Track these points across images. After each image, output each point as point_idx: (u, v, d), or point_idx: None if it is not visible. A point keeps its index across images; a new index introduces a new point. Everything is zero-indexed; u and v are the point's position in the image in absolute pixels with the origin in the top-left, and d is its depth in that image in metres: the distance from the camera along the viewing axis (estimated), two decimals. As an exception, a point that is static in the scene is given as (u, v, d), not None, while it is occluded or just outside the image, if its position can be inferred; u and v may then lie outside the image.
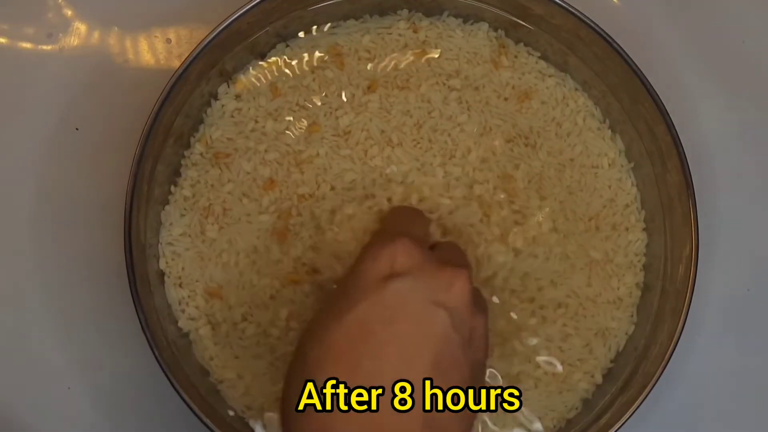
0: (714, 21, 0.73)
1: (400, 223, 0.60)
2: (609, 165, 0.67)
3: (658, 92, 0.63)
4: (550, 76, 0.67)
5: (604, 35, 0.63)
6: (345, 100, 0.65)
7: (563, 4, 0.64)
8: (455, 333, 0.51)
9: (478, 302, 0.55)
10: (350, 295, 0.52)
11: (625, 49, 0.63)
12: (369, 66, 0.66)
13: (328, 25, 0.66)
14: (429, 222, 0.63)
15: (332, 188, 0.64)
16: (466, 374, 0.51)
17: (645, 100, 0.64)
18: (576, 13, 0.64)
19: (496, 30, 0.67)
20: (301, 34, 0.66)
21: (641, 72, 0.63)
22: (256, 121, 0.65)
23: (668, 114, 0.63)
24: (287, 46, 0.66)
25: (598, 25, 0.63)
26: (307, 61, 0.66)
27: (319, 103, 0.65)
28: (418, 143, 0.65)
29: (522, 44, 0.68)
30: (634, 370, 0.63)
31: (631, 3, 0.72)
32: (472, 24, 0.67)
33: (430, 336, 0.50)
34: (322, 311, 0.53)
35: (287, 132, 0.65)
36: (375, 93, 0.65)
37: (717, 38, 0.72)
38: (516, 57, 0.67)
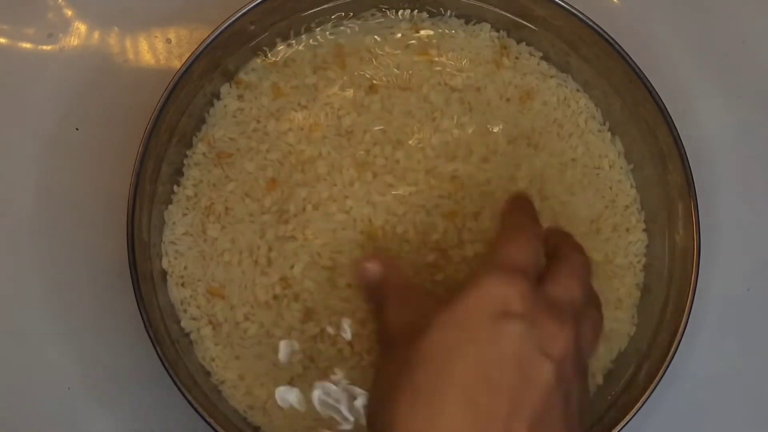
0: (714, 21, 0.73)
1: (517, 240, 0.55)
2: (609, 166, 0.67)
3: (658, 93, 0.63)
4: (551, 76, 0.67)
5: (606, 36, 0.64)
6: (347, 100, 0.65)
7: (564, 5, 0.64)
8: (558, 386, 0.50)
9: (578, 363, 0.53)
10: (463, 328, 0.50)
11: (625, 49, 0.63)
12: (371, 66, 0.66)
13: (330, 24, 0.66)
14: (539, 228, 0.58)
15: (335, 186, 0.64)
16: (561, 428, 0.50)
17: (646, 101, 0.64)
18: (577, 14, 0.64)
19: (498, 31, 0.67)
20: (304, 35, 0.66)
21: (642, 73, 0.63)
22: (258, 121, 0.65)
23: (669, 115, 0.63)
24: (289, 45, 0.66)
25: (599, 26, 0.64)
26: (309, 61, 0.66)
27: (321, 103, 0.65)
28: (420, 143, 0.65)
29: (524, 45, 0.68)
30: (636, 371, 0.63)
31: (631, 3, 0.72)
32: (474, 24, 0.67)
33: (536, 386, 0.49)
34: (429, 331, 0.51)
35: (289, 132, 0.65)
36: (377, 93, 0.65)
37: (717, 38, 0.73)
38: (517, 58, 0.67)
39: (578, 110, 0.67)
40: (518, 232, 0.55)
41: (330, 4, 0.65)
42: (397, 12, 0.67)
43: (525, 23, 0.66)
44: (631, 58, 0.63)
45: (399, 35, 0.67)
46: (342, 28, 0.67)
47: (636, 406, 0.60)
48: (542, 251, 0.55)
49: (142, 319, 0.58)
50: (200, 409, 0.57)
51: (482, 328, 0.49)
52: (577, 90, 0.67)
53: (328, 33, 0.66)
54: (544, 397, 0.49)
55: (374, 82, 0.66)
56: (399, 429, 0.48)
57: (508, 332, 0.49)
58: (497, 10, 0.66)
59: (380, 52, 0.66)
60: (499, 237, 0.55)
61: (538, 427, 0.48)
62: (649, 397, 0.60)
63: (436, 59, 0.66)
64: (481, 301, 0.50)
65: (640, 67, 0.63)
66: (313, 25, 0.66)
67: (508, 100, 0.66)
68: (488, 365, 0.49)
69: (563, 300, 0.52)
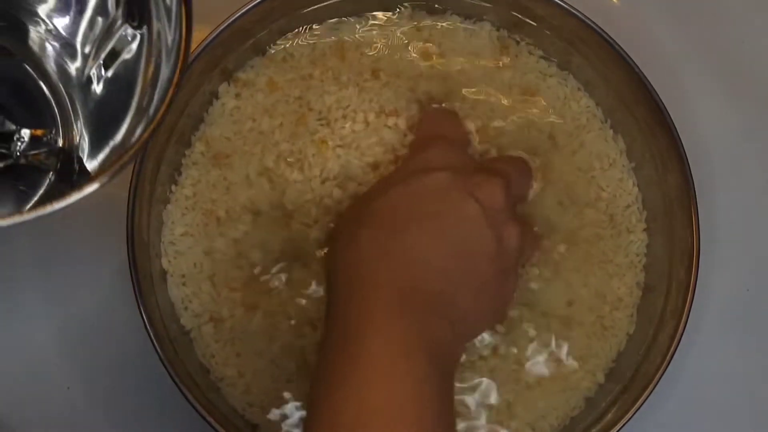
0: (714, 21, 0.73)
1: (434, 127, 0.62)
2: (610, 165, 0.67)
3: (658, 93, 0.63)
4: (551, 75, 0.67)
5: (605, 36, 0.64)
6: (340, 90, 0.65)
7: (564, 5, 0.64)
8: (490, 227, 0.55)
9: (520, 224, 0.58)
10: (390, 181, 0.57)
11: (625, 49, 0.64)
12: (371, 61, 0.66)
13: (331, 21, 0.67)
14: (463, 125, 0.64)
15: (327, 180, 0.64)
16: (489, 267, 0.55)
17: (646, 100, 0.64)
18: (577, 14, 0.64)
19: (498, 29, 0.67)
20: (304, 32, 0.66)
21: (642, 73, 0.63)
22: (254, 120, 0.64)
23: (669, 115, 0.63)
24: (289, 42, 0.66)
25: (598, 26, 0.64)
26: (307, 55, 0.66)
27: (318, 91, 0.65)
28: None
29: (524, 44, 0.68)
30: (637, 370, 0.63)
31: (631, 3, 0.72)
32: (474, 23, 0.67)
33: (464, 217, 0.54)
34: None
35: (282, 127, 0.65)
36: (378, 79, 0.66)
37: (717, 38, 0.73)
38: (517, 57, 0.67)
39: (579, 109, 0.67)
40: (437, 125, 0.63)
41: (330, 2, 0.66)
42: (397, 9, 0.67)
43: (525, 21, 0.66)
44: (630, 58, 0.63)
45: (400, 32, 0.67)
46: (342, 24, 0.67)
47: (636, 406, 0.60)
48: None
49: (142, 317, 0.58)
50: (199, 408, 0.57)
51: (412, 177, 0.56)
52: (578, 89, 0.67)
53: (327, 29, 0.66)
54: (474, 230, 0.54)
55: (375, 70, 0.66)
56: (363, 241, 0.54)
57: (433, 176, 0.55)
58: (498, 9, 0.66)
59: (380, 49, 0.66)
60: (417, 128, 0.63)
61: (469, 256, 0.54)
62: (648, 396, 0.60)
63: (436, 57, 0.66)
64: (406, 165, 0.59)
65: (639, 67, 0.63)
66: (313, 23, 0.66)
67: (508, 98, 0.66)
68: (413, 200, 0.55)
69: (492, 170, 0.58)
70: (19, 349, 0.65)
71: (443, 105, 0.65)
